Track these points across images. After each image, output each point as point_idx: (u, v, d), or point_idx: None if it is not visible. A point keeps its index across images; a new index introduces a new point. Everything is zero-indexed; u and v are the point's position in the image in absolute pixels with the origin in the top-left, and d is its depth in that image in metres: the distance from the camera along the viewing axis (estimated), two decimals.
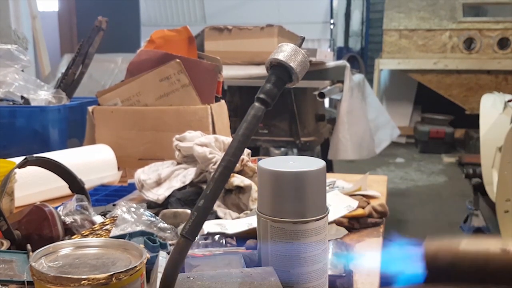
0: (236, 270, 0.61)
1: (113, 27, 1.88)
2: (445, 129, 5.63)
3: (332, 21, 7.14)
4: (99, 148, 1.43)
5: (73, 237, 0.86)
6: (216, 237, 0.89)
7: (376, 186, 1.33)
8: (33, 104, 1.59)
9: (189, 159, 1.18)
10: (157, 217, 0.92)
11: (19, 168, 0.95)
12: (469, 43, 5.35)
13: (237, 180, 1.07)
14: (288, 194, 0.62)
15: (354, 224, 1.06)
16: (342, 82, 2.76)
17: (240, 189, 1.08)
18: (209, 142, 1.13)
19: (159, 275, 0.65)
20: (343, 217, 1.04)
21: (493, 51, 5.27)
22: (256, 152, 2.07)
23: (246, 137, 0.59)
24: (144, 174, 1.17)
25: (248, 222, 0.95)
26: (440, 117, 5.77)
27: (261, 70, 2.57)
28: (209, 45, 2.72)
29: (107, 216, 0.94)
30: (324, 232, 0.64)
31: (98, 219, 0.94)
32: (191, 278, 0.58)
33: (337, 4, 7.17)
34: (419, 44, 5.46)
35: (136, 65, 1.50)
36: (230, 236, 0.92)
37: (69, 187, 1.03)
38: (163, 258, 0.72)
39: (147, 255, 0.58)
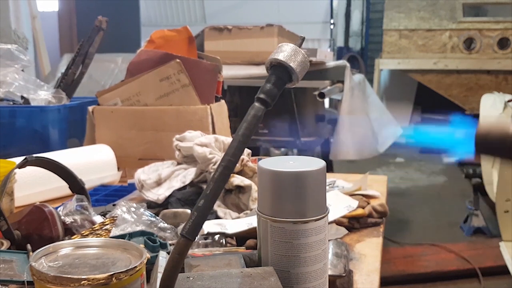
0: (236, 270, 0.61)
1: (113, 27, 1.88)
2: None
3: (332, 21, 7.14)
4: (99, 148, 1.43)
5: (73, 237, 0.86)
6: (216, 237, 0.89)
7: (376, 186, 1.33)
8: (33, 104, 1.59)
9: (189, 159, 1.18)
10: (157, 217, 0.92)
11: (19, 168, 0.95)
12: (469, 43, 5.35)
13: (237, 180, 1.07)
14: (288, 194, 0.62)
15: (354, 224, 1.06)
16: (342, 82, 2.76)
17: (240, 189, 1.08)
18: (209, 142, 1.13)
19: (159, 275, 0.65)
20: (343, 217, 1.05)
21: (493, 51, 5.27)
22: (256, 152, 2.07)
23: (246, 137, 0.59)
24: (144, 174, 1.17)
25: (248, 222, 0.95)
26: (440, 117, 5.77)
27: (261, 70, 2.57)
28: (209, 45, 2.71)
29: (107, 216, 0.94)
30: (324, 232, 0.64)
31: (98, 219, 0.94)
32: (191, 278, 0.58)
33: (337, 4, 7.17)
34: (419, 44, 5.46)
35: (136, 65, 1.50)
36: (230, 236, 0.92)
37: (69, 187, 1.03)
38: (163, 258, 0.72)
39: (147, 255, 0.58)
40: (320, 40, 7.07)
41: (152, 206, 1.09)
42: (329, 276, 0.70)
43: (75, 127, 1.63)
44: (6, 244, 0.81)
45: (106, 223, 0.89)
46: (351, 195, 1.17)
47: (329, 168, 3.15)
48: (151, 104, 1.47)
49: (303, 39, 0.63)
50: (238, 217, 1.03)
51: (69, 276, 0.53)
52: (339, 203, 1.07)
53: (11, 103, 1.60)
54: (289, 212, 0.62)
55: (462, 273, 2.65)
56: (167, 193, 1.10)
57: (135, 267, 0.55)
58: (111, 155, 1.42)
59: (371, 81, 5.29)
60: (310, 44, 6.72)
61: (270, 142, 2.88)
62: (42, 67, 4.26)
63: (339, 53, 6.84)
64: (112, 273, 0.53)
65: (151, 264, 0.72)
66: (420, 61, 5.46)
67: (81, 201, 0.95)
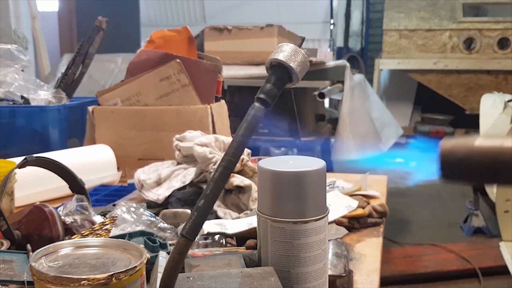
0: (236, 270, 0.61)
1: (113, 27, 1.88)
2: (445, 129, 5.63)
3: (332, 21, 7.14)
4: (99, 148, 1.43)
5: (73, 237, 0.86)
6: (216, 237, 0.89)
7: (376, 186, 1.33)
8: (33, 104, 1.59)
9: (189, 159, 1.18)
10: (157, 217, 0.92)
11: (19, 168, 0.95)
12: (469, 43, 5.35)
13: (237, 180, 1.07)
14: (288, 194, 0.62)
15: (354, 224, 1.06)
16: (342, 82, 2.76)
17: (240, 189, 1.08)
18: (209, 142, 1.13)
19: (159, 275, 0.65)
20: (343, 217, 1.04)
21: (493, 51, 5.27)
22: (256, 152, 2.07)
23: (246, 137, 0.59)
24: (144, 174, 1.17)
25: (248, 222, 0.95)
26: (440, 117, 5.77)
27: (261, 70, 2.57)
28: (209, 45, 2.72)
29: (107, 216, 0.94)
30: (324, 232, 0.64)
31: (98, 219, 0.94)
32: (191, 278, 0.58)
33: (337, 4, 7.17)
34: (419, 44, 5.46)
35: (136, 65, 1.50)
36: (230, 236, 0.92)
37: (69, 187, 1.03)
38: (163, 258, 0.72)
39: (147, 255, 0.58)
40: (320, 40, 7.07)
41: (152, 206, 1.09)
42: (329, 276, 0.70)
43: (75, 127, 1.63)
44: (6, 244, 0.81)
45: (106, 223, 0.89)
46: (351, 195, 1.17)
47: (329, 168, 3.15)
48: (151, 104, 1.47)
49: (303, 39, 0.63)
50: (238, 217, 1.03)
51: (69, 276, 0.53)
52: (339, 203, 1.07)
53: (11, 103, 1.60)
54: (289, 212, 0.62)
55: (462, 273, 2.65)
56: (167, 193, 1.10)
57: (135, 267, 0.55)
58: (111, 155, 1.42)
59: (371, 81, 5.29)
60: (310, 44, 6.72)
61: (270, 142, 2.88)
62: (42, 67, 4.26)
63: (339, 53, 6.84)
64: (112, 273, 0.53)
65: (151, 264, 0.72)
66: (420, 61, 5.46)
67: (81, 201, 0.95)
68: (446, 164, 0.54)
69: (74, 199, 0.95)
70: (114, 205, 1.06)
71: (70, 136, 1.61)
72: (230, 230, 0.93)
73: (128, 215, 0.89)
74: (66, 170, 1.02)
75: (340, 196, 1.12)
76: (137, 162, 1.43)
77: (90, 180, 1.25)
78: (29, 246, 0.78)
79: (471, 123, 5.04)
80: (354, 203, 1.08)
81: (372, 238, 1.02)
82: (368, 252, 0.95)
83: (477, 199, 3.19)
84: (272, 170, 0.63)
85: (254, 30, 2.68)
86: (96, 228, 0.87)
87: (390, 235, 3.07)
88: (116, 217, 0.89)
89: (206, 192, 0.56)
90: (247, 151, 1.17)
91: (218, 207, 1.06)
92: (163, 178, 1.15)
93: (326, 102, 3.85)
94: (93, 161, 1.37)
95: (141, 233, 0.81)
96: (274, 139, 2.82)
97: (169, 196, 1.10)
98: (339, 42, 7.26)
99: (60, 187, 1.05)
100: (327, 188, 1.21)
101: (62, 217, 0.89)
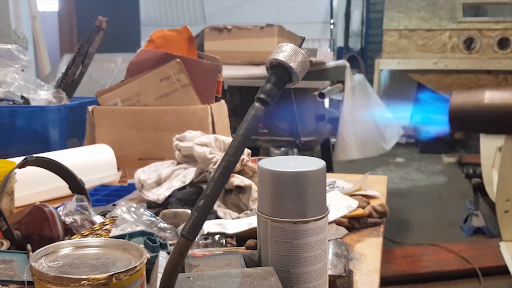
0: (236, 270, 0.61)
1: (113, 27, 1.88)
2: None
3: (332, 21, 7.14)
4: (99, 148, 1.43)
5: (73, 237, 0.86)
6: (216, 237, 0.89)
7: (376, 186, 1.33)
8: (33, 104, 1.59)
9: (189, 159, 1.18)
10: (157, 217, 0.92)
11: (19, 168, 0.95)
12: (469, 43, 5.35)
13: (237, 180, 1.07)
14: (288, 194, 0.62)
15: (354, 224, 1.06)
16: (342, 82, 2.76)
17: (240, 189, 1.08)
18: (209, 142, 1.13)
19: (159, 275, 0.65)
20: (343, 217, 1.04)
21: (493, 51, 5.27)
22: (256, 152, 2.07)
23: (246, 137, 0.59)
24: (144, 174, 1.17)
25: (248, 222, 0.95)
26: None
27: (261, 70, 2.57)
28: (209, 45, 2.71)
29: (107, 216, 0.94)
30: (324, 232, 0.64)
31: (98, 219, 0.94)
32: (191, 278, 0.58)
33: (337, 4, 7.17)
34: (419, 44, 5.46)
35: (136, 65, 1.50)
36: (230, 236, 0.92)
37: (69, 187, 1.03)
38: (163, 258, 0.72)
39: (147, 255, 0.58)
40: (320, 40, 7.08)
41: (152, 206, 1.09)
42: (329, 276, 0.70)
43: (75, 127, 1.63)
44: (6, 244, 0.81)
45: (106, 223, 0.89)
46: (351, 195, 1.17)
47: (329, 168, 3.15)
48: (151, 104, 1.47)
49: (303, 39, 0.63)
50: (238, 217, 1.03)
51: (69, 276, 0.53)
52: (339, 203, 1.07)
53: (11, 103, 1.60)
54: (289, 212, 0.62)
55: (462, 273, 2.65)
56: (167, 193, 1.10)
57: (135, 267, 0.55)
58: (111, 155, 1.42)
59: (371, 81, 5.29)
60: (310, 44, 6.73)
61: (270, 142, 2.88)
62: (42, 67, 4.26)
63: (339, 53, 6.84)
64: (112, 273, 0.53)
65: (151, 264, 0.71)
66: (420, 61, 5.46)
67: (81, 201, 0.95)
68: (455, 118, 0.57)
69: (74, 199, 0.95)
70: (114, 205, 1.06)
71: (70, 136, 1.61)
72: (230, 230, 0.93)
73: (128, 215, 0.89)
74: (66, 170, 1.02)
75: (340, 196, 1.12)
76: (137, 162, 1.43)
77: (90, 180, 1.25)
78: (29, 246, 0.78)
79: None
80: (354, 203, 1.08)
81: (372, 238, 1.02)
82: (368, 252, 0.95)
83: (477, 199, 3.19)
84: (272, 170, 0.63)
85: (254, 30, 2.68)
86: (96, 228, 0.87)
87: (390, 235, 3.07)
88: (116, 217, 0.89)
89: (206, 192, 0.56)
90: (247, 151, 1.17)
91: (218, 207, 1.06)
92: (163, 178, 1.15)
93: (326, 102, 3.85)
94: (93, 161, 1.37)
95: (141, 233, 0.81)
96: (274, 139, 2.82)
97: (169, 196, 1.10)
98: (339, 42, 7.27)
99: (60, 187, 1.05)
100: (327, 188, 1.21)
101: (62, 217, 0.89)
